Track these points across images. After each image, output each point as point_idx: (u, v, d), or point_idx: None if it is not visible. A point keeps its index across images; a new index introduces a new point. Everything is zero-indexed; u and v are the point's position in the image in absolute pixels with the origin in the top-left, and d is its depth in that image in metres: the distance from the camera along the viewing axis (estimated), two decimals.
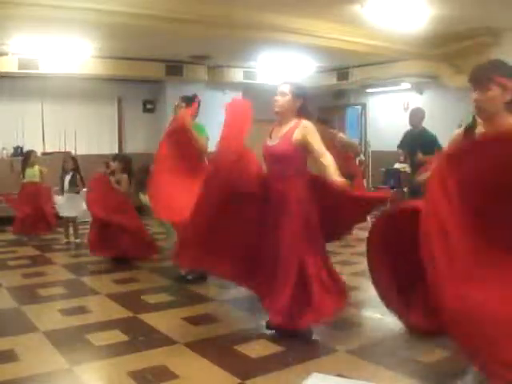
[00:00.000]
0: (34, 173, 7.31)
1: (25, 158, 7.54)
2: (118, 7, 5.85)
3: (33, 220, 7.20)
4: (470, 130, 2.69)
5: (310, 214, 3.49)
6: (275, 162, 3.55)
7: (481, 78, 2.50)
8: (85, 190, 7.20)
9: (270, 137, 3.63)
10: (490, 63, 2.62)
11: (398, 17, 6.47)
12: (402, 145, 6.79)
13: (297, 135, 3.49)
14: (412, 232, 2.44)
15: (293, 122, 3.56)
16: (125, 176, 6.04)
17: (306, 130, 3.50)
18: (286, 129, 3.56)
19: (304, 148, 3.50)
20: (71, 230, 7.17)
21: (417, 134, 6.37)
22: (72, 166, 7.05)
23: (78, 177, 7.01)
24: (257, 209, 3.52)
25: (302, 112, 3.60)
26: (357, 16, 6.60)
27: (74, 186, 6.99)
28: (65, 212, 7.09)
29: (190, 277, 5.06)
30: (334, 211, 3.52)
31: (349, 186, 3.50)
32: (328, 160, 3.45)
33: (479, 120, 2.65)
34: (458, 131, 2.83)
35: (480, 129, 2.62)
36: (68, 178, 7.03)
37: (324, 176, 3.44)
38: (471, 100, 2.54)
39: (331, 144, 5.50)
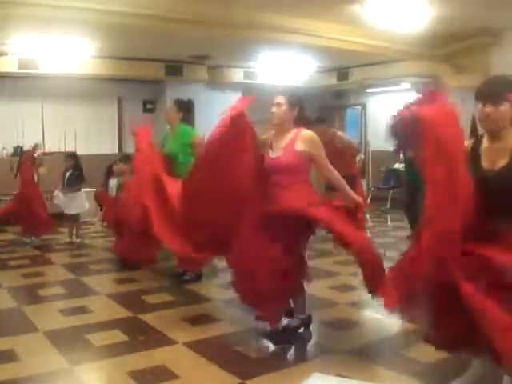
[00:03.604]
0: None
1: (20, 157, 7.51)
2: (117, 7, 5.85)
3: (28, 221, 7.06)
4: (474, 146, 2.68)
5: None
6: (277, 172, 3.47)
7: (494, 94, 2.55)
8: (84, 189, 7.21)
9: (271, 148, 3.54)
10: (501, 80, 2.65)
11: (398, 17, 6.47)
12: None
13: (300, 146, 3.45)
14: None
15: (292, 132, 3.51)
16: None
17: (310, 143, 3.46)
18: (286, 139, 3.51)
19: (308, 158, 3.48)
20: (74, 230, 7.16)
21: None
22: (71, 163, 7.02)
23: (77, 174, 6.98)
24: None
25: (299, 120, 3.58)
26: (357, 16, 6.60)
27: (73, 183, 6.97)
28: (65, 209, 7.08)
29: (187, 277, 5.06)
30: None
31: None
32: (335, 175, 3.53)
33: (484, 134, 2.65)
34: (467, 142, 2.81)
35: (485, 144, 2.64)
36: (67, 175, 7.02)
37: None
38: (481, 114, 2.56)
39: (331, 143, 5.53)
